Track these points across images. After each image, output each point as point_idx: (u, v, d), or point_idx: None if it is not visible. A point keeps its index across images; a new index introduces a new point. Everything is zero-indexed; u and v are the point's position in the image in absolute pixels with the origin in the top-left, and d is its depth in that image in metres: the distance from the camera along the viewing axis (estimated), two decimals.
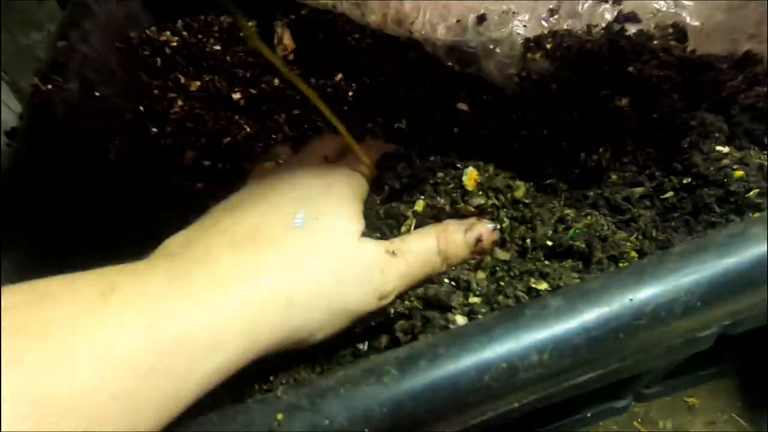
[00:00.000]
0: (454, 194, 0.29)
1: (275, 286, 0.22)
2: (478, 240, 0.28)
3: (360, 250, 0.26)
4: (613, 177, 0.38)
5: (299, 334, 0.23)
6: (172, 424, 0.19)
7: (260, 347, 0.21)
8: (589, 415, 1.08)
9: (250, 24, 0.56)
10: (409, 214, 0.29)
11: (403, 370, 0.19)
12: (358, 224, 0.28)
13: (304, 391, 0.19)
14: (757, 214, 0.25)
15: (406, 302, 0.26)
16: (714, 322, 0.21)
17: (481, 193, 0.29)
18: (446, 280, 0.27)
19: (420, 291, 0.26)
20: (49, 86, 0.35)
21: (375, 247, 0.26)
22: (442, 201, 0.29)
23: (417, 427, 0.18)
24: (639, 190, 0.35)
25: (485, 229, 0.29)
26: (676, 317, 0.20)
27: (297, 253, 0.24)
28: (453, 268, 0.28)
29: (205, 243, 0.24)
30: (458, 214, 0.29)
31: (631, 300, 0.20)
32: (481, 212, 0.29)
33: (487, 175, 0.30)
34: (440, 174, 0.30)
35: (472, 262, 0.28)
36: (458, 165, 0.32)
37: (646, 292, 0.20)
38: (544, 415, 1.01)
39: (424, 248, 0.27)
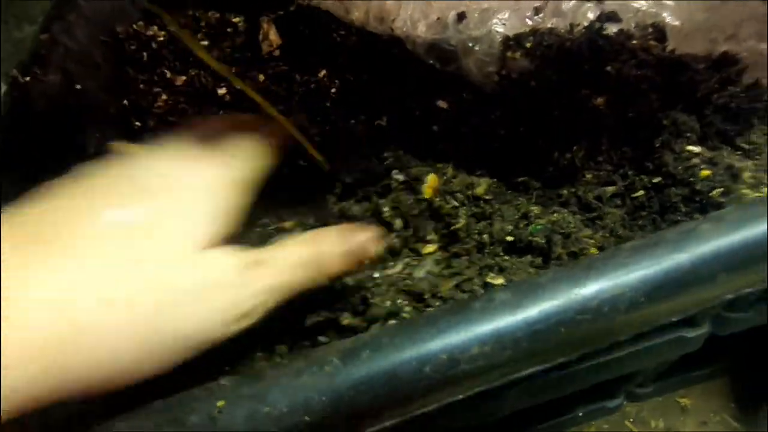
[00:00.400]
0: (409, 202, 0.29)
1: (49, 306, 0.18)
2: (360, 248, 0.25)
3: (201, 262, 0.21)
4: (588, 176, 0.38)
5: (100, 373, 0.19)
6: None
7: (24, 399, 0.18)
8: (580, 414, 1.08)
9: (235, 19, 0.56)
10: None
11: (345, 360, 0.19)
12: (211, 227, 0.22)
13: (247, 380, 0.19)
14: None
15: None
16: (659, 319, 0.21)
17: (438, 198, 0.29)
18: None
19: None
20: (28, 78, 0.36)
21: (228, 259, 0.22)
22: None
23: (357, 417, 0.19)
24: (611, 188, 0.35)
25: (365, 237, 0.25)
26: (620, 312, 0.20)
27: (103, 262, 0.19)
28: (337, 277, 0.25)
29: None
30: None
31: (576, 294, 0.20)
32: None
33: (445, 177, 0.30)
34: (399, 177, 0.30)
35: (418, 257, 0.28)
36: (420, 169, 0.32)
37: (592, 287, 0.20)
38: (535, 414, 1.01)
39: (295, 256, 0.23)
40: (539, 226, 0.28)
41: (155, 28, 0.54)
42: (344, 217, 0.29)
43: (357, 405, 0.18)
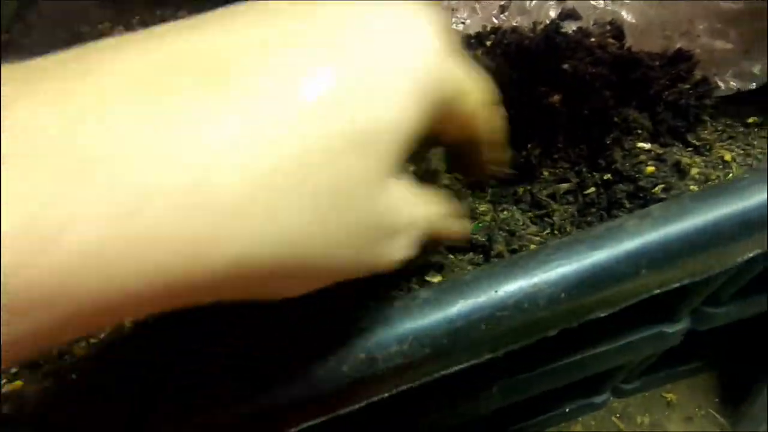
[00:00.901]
0: None
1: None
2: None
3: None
4: (545, 173, 0.38)
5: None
6: None
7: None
8: (567, 410, 1.09)
9: None
10: None
11: None
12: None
13: None
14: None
15: None
16: (580, 315, 0.21)
17: None
18: None
19: None
20: None
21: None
22: None
23: (279, 420, 0.19)
24: (565, 186, 0.35)
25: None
26: (539, 308, 0.20)
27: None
28: None
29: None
30: None
31: (496, 292, 0.20)
32: None
33: None
34: None
35: None
36: None
37: (513, 285, 0.20)
38: (524, 410, 1.02)
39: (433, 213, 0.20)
40: (480, 224, 0.28)
41: (121, 28, 0.54)
42: None
43: (277, 408, 0.18)
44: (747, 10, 0.36)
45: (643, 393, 1.13)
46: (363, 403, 0.20)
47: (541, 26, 0.46)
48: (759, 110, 0.37)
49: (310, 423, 0.19)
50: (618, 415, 1.15)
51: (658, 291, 0.22)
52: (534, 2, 0.49)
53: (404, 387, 0.20)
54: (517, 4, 0.50)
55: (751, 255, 0.22)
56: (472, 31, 0.44)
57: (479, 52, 0.45)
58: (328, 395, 0.19)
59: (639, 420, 1.13)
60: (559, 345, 0.67)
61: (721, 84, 0.35)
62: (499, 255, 0.26)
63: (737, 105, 0.38)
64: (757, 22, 0.35)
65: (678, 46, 0.39)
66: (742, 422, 1.03)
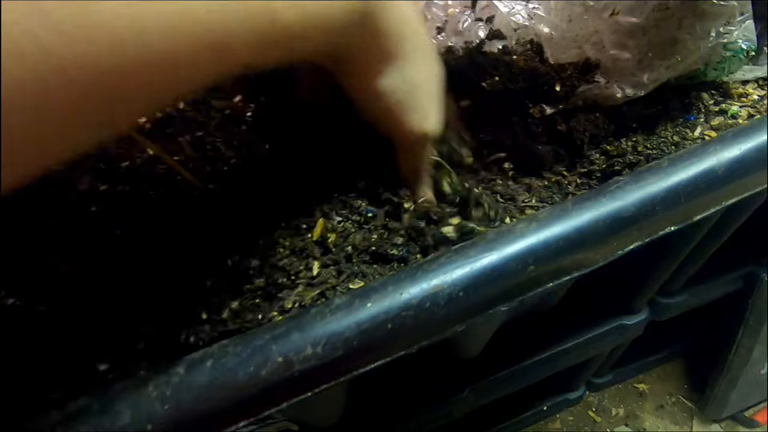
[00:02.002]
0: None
1: None
2: None
3: None
4: None
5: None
6: None
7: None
8: (545, 408, 1.11)
9: None
10: None
11: (189, 370, 0.21)
12: None
13: (96, 396, 0.21)
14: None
15: None
16: (481, 308, 0.24)
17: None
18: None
19: None
20: None
21: None
22: None
23: (202, 425, 0.20)
24: None
25: None
26: (440, 307, 0.22)
27: None
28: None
29: None
30: None
31: (401, 294, 0.22)
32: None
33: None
34: None
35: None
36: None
37: (417, 287, 0.23)
38: (502, 410, 1.04)
39: None
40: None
41: None
42: None
43: (200, 413, 0.20)
44: (643, 24, 0.40)
45: (617, 385, 1.17)
46: (283, 405, 0.22)
47: (471, 46, 0.50)
48: None
49: (236, 427, 0.21)
50: (594, 409, 1.18)
51: (550, 284, 0.25)
52: (466, 24, 0.53)
53: (319, 389, 0.22)
54: (452, 26, 0.54)
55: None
56: None
57: None
58: (249, 399, 0.21)
59: (614, 412, 1.17)
60: (525, 344, 0.70)
61: (618, 91, 0.39)
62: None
63: None
64: (650, 36, 0.39)
65: (588, 56, 0.43)
66: (708, 405, 1.07)
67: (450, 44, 0.52)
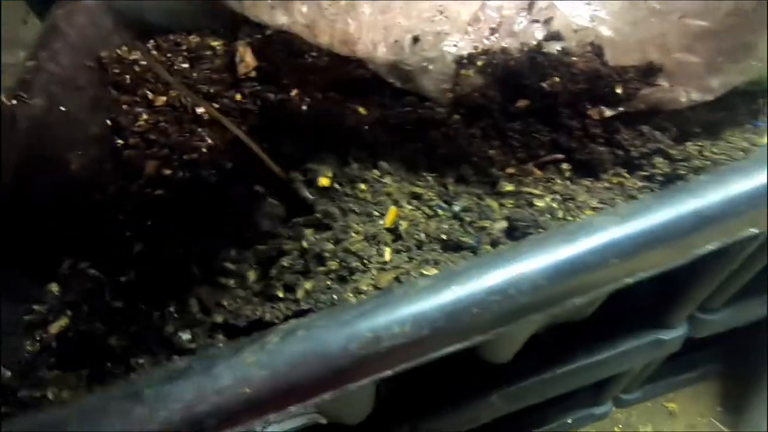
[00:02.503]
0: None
1: None
2: None
3: None
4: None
5: None
6: None
7: None
8: (569, 421, 1.09)
9: (214, 43, 0.60)
10: None
11: (283, 339, 0.22)
12: None
13: (196, 359, 0.22)
14: None
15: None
16: (556, 300, 0.24)
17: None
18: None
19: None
20: (14, 101, 0.39)
21: None
22: None
23: (292, 389, 0.21)
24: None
25: None
26: (524, 294, 0.23)
27: None
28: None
29: None
30: None
31: (485, 279, 0.23)
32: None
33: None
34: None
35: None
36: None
37: (501, 274, 0.23)
38: (525, 421, 1.02)
39: None
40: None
41: (138, 53, 0.58)
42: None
43: (294, 380, 0.21)
44: (713, 29, 0.39)
45: (645, 402, 1.14)
46: (368, 378, 0.23)
47: (527, 47, 0.50)
48: None
49: (325, 396, 0.22)
50: (620, 426, 1.15)
51: (629, 280, 0.25)
52: (522, 25, 0.53)
53: (404, 365, 0.23)
54: (506, 28, 0.54)
55: None
56: (465, 53, 0.48)
57: (471, 71, 0.49)
58: (340, 369, 0.22)
59: (641, 430, 1.13)
60: (557, 353, 0.69)
61: (683, 95, 0.38)
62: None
63: None
64: (721, 41, 0.39)
65: (651, 59, 0.43)
66: (742, 429, 1.03)
67: (504, 45, 0.53)
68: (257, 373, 0.21)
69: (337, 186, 0.34)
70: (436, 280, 0.23)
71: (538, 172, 0.43)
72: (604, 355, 0.71)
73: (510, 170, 0.42)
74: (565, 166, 0.44)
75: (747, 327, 0.75)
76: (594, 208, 0.38)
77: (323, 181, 0.34)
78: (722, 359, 1.04)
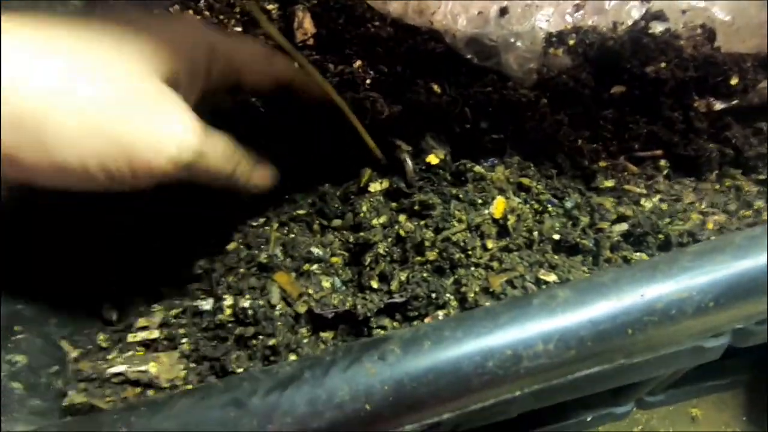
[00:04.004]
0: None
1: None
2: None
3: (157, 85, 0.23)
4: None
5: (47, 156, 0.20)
6: None
7: None
8: (588, 419, 1.07)
9: (269, 6, 0.56)
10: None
11: (406, 350, 0.19)
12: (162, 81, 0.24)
13: (307, 364, 0.19)
14: None
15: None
16: (725, 325, 0.21)
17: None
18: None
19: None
20: None
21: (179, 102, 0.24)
22: None
23: (418, 408, 0.18)
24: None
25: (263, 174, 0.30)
26: (687, 316, 0.19)
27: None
28: None
29: None
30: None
31: (642, 295, 0.19)
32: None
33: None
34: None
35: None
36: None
37: (660, 290, 0.20)
38: (544, 416, 1.01)
39: (229, 151, 0.27)
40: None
41: (190, 12, 0.54)
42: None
43: (419, 396, 0.18)
44: None
45: (668, 406, 1.11)
46: (502, 399, 0.20)
47: (623, 27, 0.45)
48: None
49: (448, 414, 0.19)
50: (640, 428, 1.13)
51: None
52: (613, 2, 0.48)
53: (542, 385, 0.20)
54: (594, 4, 0.49)
55: None
56: (554, 30, 0.43)
57: (560, 50, 0.44)
58: (472, 389, 0.18)
59: None
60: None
61: None
62: (608, 261, 0.26)
63: None
64: None
65: None
66: None
67: (592, 23, 0.48)
68: (379, 389, 0.18)
69: (438, 168, 0.31)
70: (576, 290, 0.20)
71: (632, 168, 0.39)
72: (645, 358, 0.68)
73: (602, 163, 0.38)
74: (662, 162, 0.40)
75: None
76: (704, 212, 0.34)
77: (432, 159, 0.30)
78: (751, 369, 1.01)
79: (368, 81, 0.52)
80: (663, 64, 0.40)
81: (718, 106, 0.39)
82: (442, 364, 0.18)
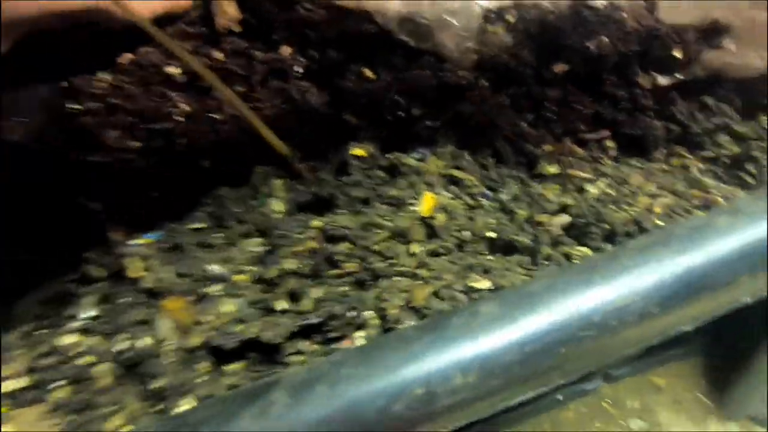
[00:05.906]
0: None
1: None
2: None
3: None
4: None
5: None
6: None
7: None
8: (559, 397, 1.09)
9: None
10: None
11: (296, 397, 0.15)
12: None
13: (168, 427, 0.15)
14: None
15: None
16: (672, 328, 0.18)
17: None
18: None
19: None
20: None
21: None
22: None
23: None
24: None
25: None
26: (629, 325, 0.17)
27: None
28: None
29: None
30: None
31: (575, 306, 0.16)
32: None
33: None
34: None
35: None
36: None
37: (595, 297, 0.17)
38: None
39: None
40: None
41: None
42: None
43: None
44: None
45: (633, 378, 1.14)
46: None
47: (564, 1, 0.43)
48: None
49: None
50: (608, 400, 1.15)
51: (749, 299, 0.19)
52: None
53: (461, 423, 0.17)
54: None
55: None
56: (492, 6, 0.40)
57: (499, 28, 0.41)
58: None
59: (629, 404, 1.13)
60: None
61: (756, 61, 0.32)
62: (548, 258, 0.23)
63: None
64: None
65: (715, 17, 0.36)
66: (727, 404, 1.04)
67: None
68: None
69: (358, 163, 0.27)
70: (503, 303, 0.17)
71: (579, 150, 0.37)
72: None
73: (547, 147, 0.35)
74: (609, 143, 0.37)
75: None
76: (652, 195, 0.32)
77: (358, 152, 0.26)
78: (710, 335, 1.04)
79: (298, 69, 0.48)
80: (605, 39, 0.37)
81: (663, 81, 0.37)
82: (338, 414, 0.15)
